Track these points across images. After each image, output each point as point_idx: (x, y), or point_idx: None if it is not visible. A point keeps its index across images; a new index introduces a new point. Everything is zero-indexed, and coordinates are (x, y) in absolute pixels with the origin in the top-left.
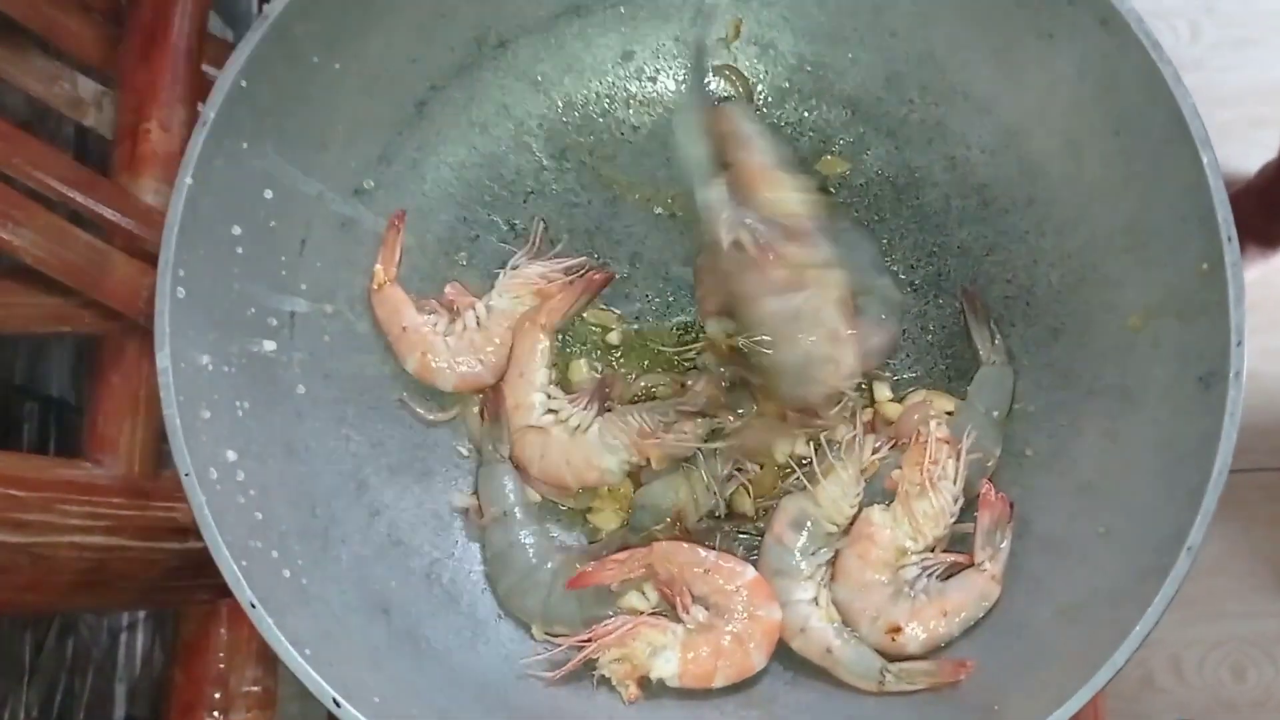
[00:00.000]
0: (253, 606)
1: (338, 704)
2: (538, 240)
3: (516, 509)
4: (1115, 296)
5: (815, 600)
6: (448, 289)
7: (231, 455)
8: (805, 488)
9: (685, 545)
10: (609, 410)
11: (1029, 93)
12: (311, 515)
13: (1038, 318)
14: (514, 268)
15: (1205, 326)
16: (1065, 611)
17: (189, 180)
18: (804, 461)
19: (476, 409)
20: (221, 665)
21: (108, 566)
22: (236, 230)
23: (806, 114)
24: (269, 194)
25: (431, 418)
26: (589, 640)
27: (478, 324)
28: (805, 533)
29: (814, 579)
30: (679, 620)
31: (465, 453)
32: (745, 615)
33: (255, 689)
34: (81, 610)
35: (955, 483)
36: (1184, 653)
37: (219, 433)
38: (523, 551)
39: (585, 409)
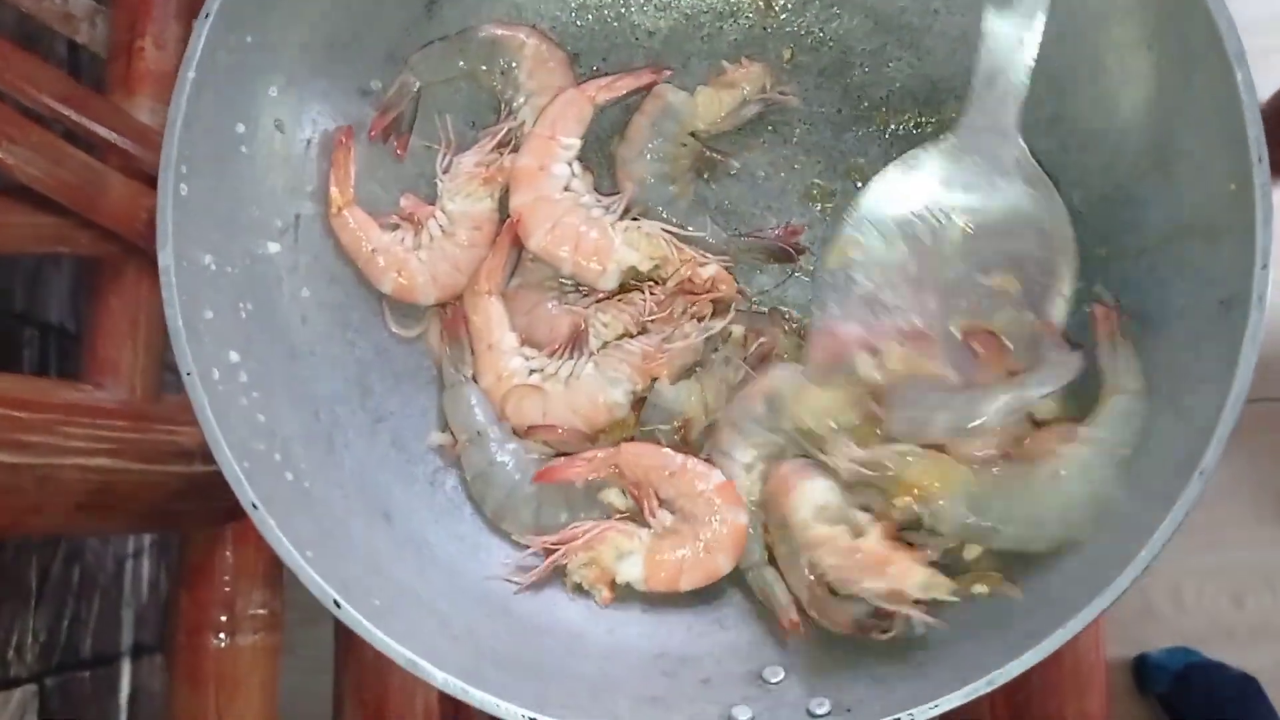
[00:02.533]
0: (255, 508)
1: (338, 605)
2: (450, 138)
3: (490, 428)
4: (1139, 216)
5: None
6: (403, 201)
7: (234, 356)
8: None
9: (653, 447)
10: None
11: (1059, 3)
12: (315, 419)
13: None
14: (445, 171)
15: (1230, 249)
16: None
17: (191, 74)
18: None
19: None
20: (227, 588)
21: (112, 489)
22: (240, 128)
23: (828, 23)
24: (273, 91)
25: (400, 331)
26: (557, 544)
27: (443, 231)
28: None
29: (755, 467)
30: (646, 524)
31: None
32: (711, 519)
33: (262, 611)
34: (86, 533)
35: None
36: (1184, 581)
37: (222, 333)
38: (502, 469)
39: (567, 358)
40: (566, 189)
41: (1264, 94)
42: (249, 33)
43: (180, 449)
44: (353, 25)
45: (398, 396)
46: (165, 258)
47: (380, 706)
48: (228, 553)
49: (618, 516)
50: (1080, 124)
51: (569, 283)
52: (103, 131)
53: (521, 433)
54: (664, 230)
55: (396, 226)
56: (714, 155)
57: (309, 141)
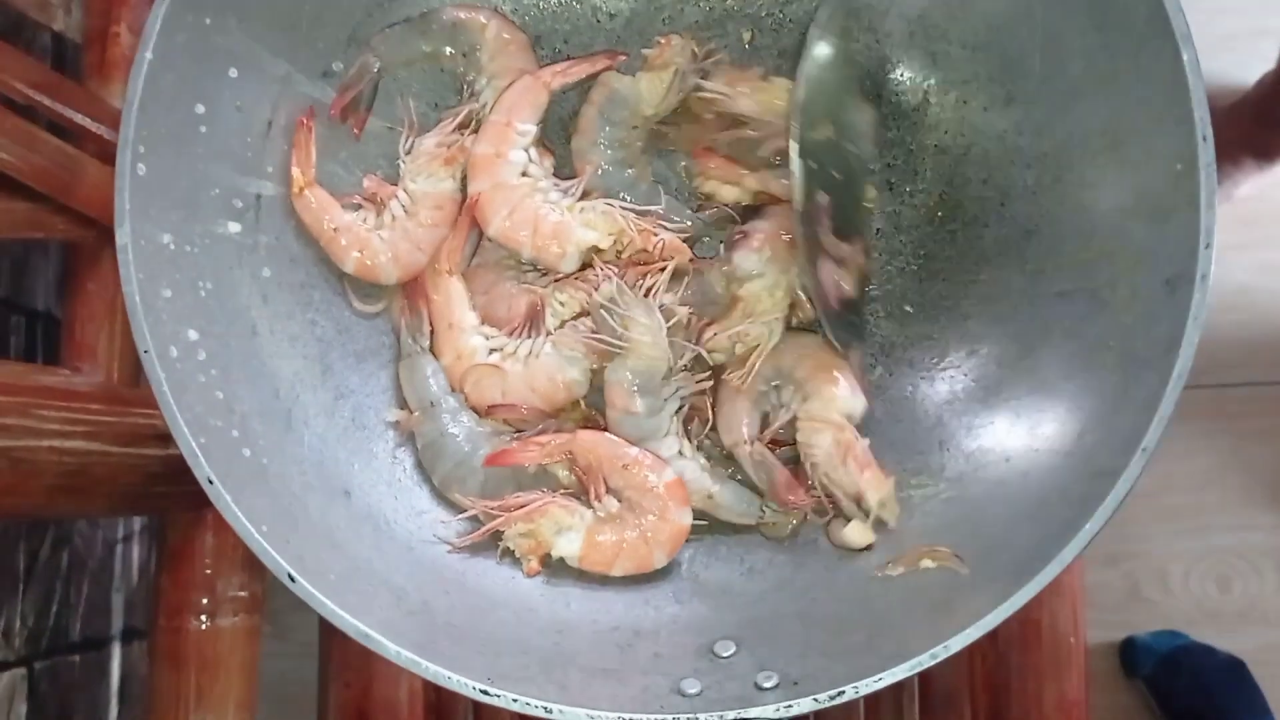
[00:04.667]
0: (210, 483)
1: (292, 579)
2: (412, 120)
3: (444, 399)
4: (1090, 198)
5: (681, 452)
6: (366, 182)
7: (193, 335)
8: (620, 352)
9: (609, 437)
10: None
11: None
12: (274, 397)
13: (1011, 219)
14: (408, 152)
15: (1175, 228)
16: (1022, 509)
17: (149, 55)
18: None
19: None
20: (208, 571)
21: (88, 471)
22: (200, 109)
23: (788, 4)
24: (234, 73)
25: (362, 308)
26: (498, 510)
27: (405, 211)
28: (639, 393)
29: (673, 432)
30: (589, 506)
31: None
32: (656, 514)
33: (242, 594)
34: (63, 515)
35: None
36: (1170, 565)
37: (180, 311)
38: (453, 440)
39: (527, 337)
40: (524, 174)
41: (1251, 74)
42: (208, 14)
43: (158, 432)
44: (314, 8)
45: (359, 374)
46: (122, 236)
47: (365, 690)
48: (208, 536)
49: (562, 492)
50: (1034, 105)
51: (528, 265)
52: (77, 118)
53: (482, 412)
54: (619, 206)
55: (359, 206)
56: (665, 132)
57: (270, 123)
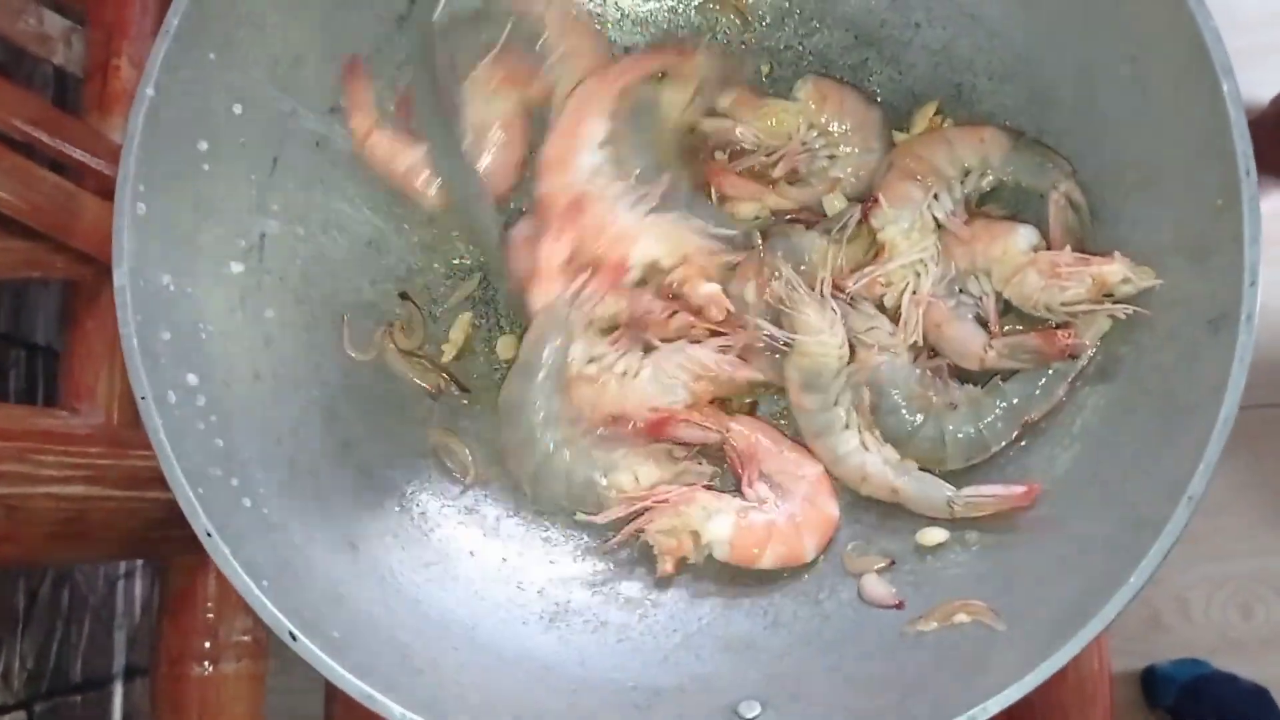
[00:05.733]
0: (208, 535)
1: (294, 637)
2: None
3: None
4: (1124, 234)
5: (863, 445)
6: None
7: (193, 379)
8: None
9: (770, 426)
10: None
11: (1041, 15)
12: (277, 444)
13: None
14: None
15: (1217, 266)
16: (1060, 560)
17: (150, 91)
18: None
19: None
20: (211, 615)
21: (87, 517)
22: (203, 146)
23: (808, 37)
24: (238, 109)
25: (355, 354)
26: (645, 503)
27: (474, 136)
28: (807, 390)
29: (851, 425)
30: (738, 495)
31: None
32: (806, 501)
33: (245, 639)
34: (62, 562)
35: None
36: (1190, 592)
37: (180, 355)
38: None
39: (629, 353)
40: (596, 176)
41: (1265, 92)
42: (211, 50)
43: (158, 474)
44: (321, 42)
45: (366, 422)
46: (120, 277)
47: None
48: (210, 579)
49: (704, 485)
50: (1064, 139)
51: None
52: (76, 154)
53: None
54: (695, 227)
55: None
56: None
57: (275, 160)
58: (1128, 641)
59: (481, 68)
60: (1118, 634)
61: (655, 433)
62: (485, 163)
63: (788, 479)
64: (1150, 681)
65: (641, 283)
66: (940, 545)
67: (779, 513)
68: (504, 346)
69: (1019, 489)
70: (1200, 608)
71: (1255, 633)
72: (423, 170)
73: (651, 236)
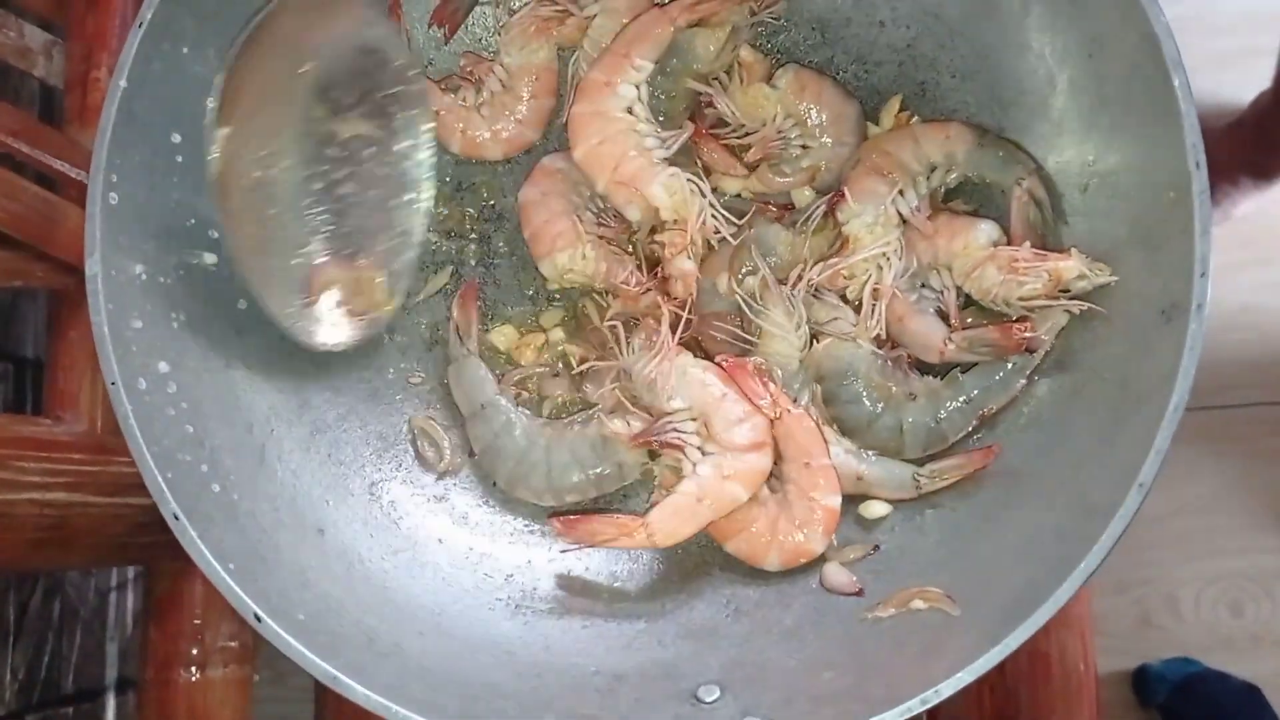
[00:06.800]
0: (175, 519)
1: (259, 619)
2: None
3: (496, 398)
4: (1083, 227)
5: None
6: (462, 60)
7: (164, 367)
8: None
9: (816, 431)
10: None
11: (1001, 13)
12: (248, 432)
13: None
14: (503, 26)
15: (1170, 257)
16: (1014, 547)
17: (123, 83)
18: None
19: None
20: (197, 621)
21: (70, 523)
22: (176, 138)
23: (774, 35)
24: (213, 103)
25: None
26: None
27: (503, 86)
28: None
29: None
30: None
31: (417, 380)
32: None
33: (232, 644)
34: (47, 568)
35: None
36: (1180, 591)
37: (151, 343)
38: (510, 439)
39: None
40: (629, 111)
41: (1245, 94)
42: (185, 44)
43: (141, 480)
44: None
45: (336, 409)
46: (92, 266)
47: None
48: (197, 585)
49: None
50: (1026, 135)
51: (591, 204)
52: (56, 164)
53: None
54: (704, 194)
55: (457, 88)
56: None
57: None
58: (1119, 641)
59: (520, 14)
60: (1109, 633)
61: (734, 372)
62: (520, 111)
63: (796, 470)
64: (1142, 680)
65: (639, 224)
66: (882, 519)
67: (780, 516)
68: (502, 338)
69: (977, 454)
70: (1191, 606)
71: (1246, 630)
72: (448, 115)
73: (662, 185)
